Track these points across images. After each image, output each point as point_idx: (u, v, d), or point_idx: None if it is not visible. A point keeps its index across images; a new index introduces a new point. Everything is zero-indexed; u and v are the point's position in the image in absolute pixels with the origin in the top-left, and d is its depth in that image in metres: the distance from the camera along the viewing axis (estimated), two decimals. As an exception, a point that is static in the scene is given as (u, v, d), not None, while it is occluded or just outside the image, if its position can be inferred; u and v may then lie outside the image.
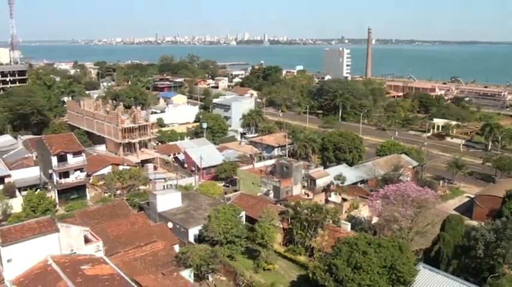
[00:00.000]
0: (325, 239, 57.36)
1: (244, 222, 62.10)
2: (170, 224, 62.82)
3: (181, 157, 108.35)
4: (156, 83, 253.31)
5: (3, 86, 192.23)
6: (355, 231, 59.41)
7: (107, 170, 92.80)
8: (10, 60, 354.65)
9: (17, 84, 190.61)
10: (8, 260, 44.27)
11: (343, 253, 44.48)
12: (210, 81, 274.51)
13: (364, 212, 69.15)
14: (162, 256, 53.74)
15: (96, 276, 42.74)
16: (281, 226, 61.84)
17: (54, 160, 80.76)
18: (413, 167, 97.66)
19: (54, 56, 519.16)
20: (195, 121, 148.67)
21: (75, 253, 47.69)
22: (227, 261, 55.12)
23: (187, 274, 51.22)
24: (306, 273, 49.95)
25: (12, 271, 44.09)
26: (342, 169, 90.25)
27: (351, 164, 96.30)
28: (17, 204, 72.83)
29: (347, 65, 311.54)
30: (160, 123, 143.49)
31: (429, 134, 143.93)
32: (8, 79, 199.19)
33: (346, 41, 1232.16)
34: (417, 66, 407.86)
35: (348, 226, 60.85)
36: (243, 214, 62.70)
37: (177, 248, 57.38)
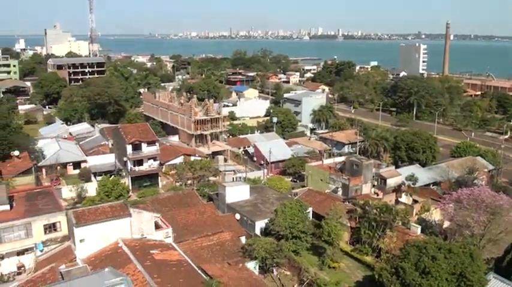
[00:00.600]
0: (393, 240, 55.77)
1: (310, 218, 61.69)
2: (238, 216, 63.69)
3: (250, 150, 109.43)
4: (229, 76, 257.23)
5: (82, 77, 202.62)
6: (425, 235, 57.31)
7: (178, 160, 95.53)
8: (89, 53, 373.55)
9: (96, 75, 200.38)
10: (81, 240, 46.90)
11: (412, 257, 43.07)
12: (282, 76, 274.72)
13: (435, 215, 66.49)
14: (229, 246, 54.63)
15: (165, 261, 44.20)
16: (348, 225, 60.88)
17: (129, 148, 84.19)
18: (489, 171, 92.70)
19: (131, 50, 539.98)
20: (265, 115, 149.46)
21: (145, 237, 49.61)
22: (292, 256, 55.07)
23: (252, 265, 51.75)
24: (372, 274, 48.84)
25: (84, 250, 46.72)
26: (414, 169, 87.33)
27: (423, 165, 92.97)
28: (91, 188, 76.76)
29: (423, 61, 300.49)
30: (231, 116, 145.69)
31: (507, 137, 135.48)
32: (87, 70, 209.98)
33: (423, 36, 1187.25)
34: (496, 63, 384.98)
35: (417, 229, 58.81)
36: (310, 210, 62.29)
37: (243, 239, 58.06)
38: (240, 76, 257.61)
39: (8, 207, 52.83)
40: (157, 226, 51.52)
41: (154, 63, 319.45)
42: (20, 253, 50.95)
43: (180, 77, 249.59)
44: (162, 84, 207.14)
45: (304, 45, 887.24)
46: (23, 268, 50.79)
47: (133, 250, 44.76)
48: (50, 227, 51.58)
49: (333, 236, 55.83)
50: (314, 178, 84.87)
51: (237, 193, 68.39)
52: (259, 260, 51.61)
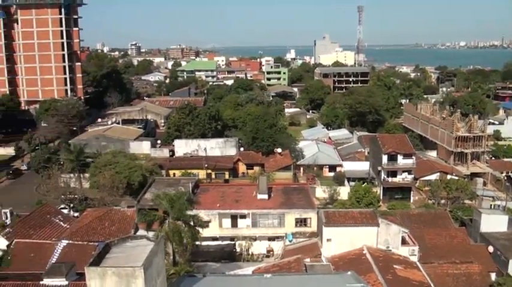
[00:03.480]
0: None
1: None
2: (491, 248, 56.99)
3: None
4: (497, 91, 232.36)
5: (346, 85, 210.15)
6: None
7: (434, 176, 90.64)
8: (354, 63, 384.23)
9: (359, 84, 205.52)
10: (328, 239, 48.80)
11: None
12: None
13: None
14: (476, 280, 49.24)
15: (407, 279, 42.56)
16: None
17: (385, 158, 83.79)
18: None
19: (396, 59, 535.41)
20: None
21: (390, 250, 48.65)
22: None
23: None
24: None
25: (330, 249, 48.54)
26: None
27: None
28: (344, 192, 78.94)
29: None
30: (496, 136, 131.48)
31: None
32: (351, 79, 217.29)
33: None
34: None
35: None
36: None
37: (493, 276, 51.76)
38: (510, 91, 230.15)
39: (266, 196, 58.86)
40: (403, 241, 50.01)
41: (418, 74, 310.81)
42: (271, 238, 56.28)
43: (444, 89, 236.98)
44: (425, 96, 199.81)
45: None
46: (271, 252, 55.91)
47: (377, 260, 44.36)
48: (301, 222, 55.41)
49: None
50: None
51: (493, 222, 60.98)
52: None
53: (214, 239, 55.52)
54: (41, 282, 38.13)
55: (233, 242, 55.73)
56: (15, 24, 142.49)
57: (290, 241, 54.69)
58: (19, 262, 48.60)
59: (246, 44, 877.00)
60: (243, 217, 56.29)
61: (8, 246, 52.22)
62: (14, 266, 47.28)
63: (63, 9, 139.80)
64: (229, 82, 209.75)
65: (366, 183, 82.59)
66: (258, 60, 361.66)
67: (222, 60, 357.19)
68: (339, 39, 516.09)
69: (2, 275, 42.00)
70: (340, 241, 48.39)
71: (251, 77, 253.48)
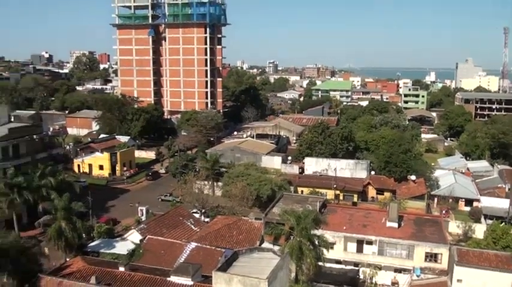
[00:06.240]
0: None
1: None
2: None
3: None
4: None
5: (489, 112, 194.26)
6: None
7: None
8: (499, 89, 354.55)
9: (503, 112, 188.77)
10: (458, 280, 45.39)
11: None
12: None
13: None
14: None
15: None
16: None
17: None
18: None
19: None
20: None
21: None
22: None
23: None
24: None
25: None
26: None
27: None
28: (479, 230, 72.51)
29: None
30: None
31: None
32: (494, 107, 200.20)
33: None
34: None
35: None
36: None
37: None
38: None
39: (396, 225, 56.48)
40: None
41: None
42: (397, 270, 53.68)
43: None
44: None
45: None
46: (396, 285, 53.28)
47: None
48: (431, 257, 52.25)
49: None
50: None
51: None
52: None
53: (338, 262, 54.67)
54: (168, 278, 40.80)
55: (357, 268, 54.40)
56: (163, 41, 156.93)
57: (418, 276, 51.83)
58: (150, 256, 52.68)
59: (383, 65, 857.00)
60: (370, 243, 54.68)
61: (141, 241, 56.85)
62: (145, 260, 51.41)
63: (208, 29, 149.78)
64: (364, 103, 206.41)
65: (504, 223, 75.30)
66: (395, 82, 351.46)
67: (358, 81, 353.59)
68: (482, 62, 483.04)
69: (133, 266, 45.83)
70: (471, 283, 44.80)
71: (387, 99, 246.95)
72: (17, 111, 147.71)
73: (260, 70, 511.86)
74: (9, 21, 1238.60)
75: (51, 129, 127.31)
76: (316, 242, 45.92)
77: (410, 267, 52.83)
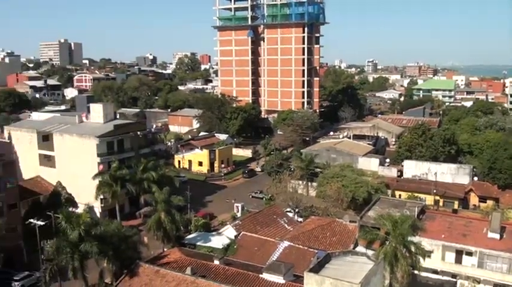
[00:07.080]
0: None
1: None
2: None
3: None
4: None
5: None
6: None
7: None
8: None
9: None
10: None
11: None
12: None
13: None
14: None
15: None
16: None
17: None
18: None
19: None
20: None
21: None
22: None
23: None
24: None
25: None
26: None
27: None
28: None
29: None
30: None
31: None
32: None
33: None
34: None
35: None
36: None
37: None
38: None
39: (498, 236, 52.67)
40: None
41: None
42: (497, 285, 50.04)
43: None
44: None
45: None
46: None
47: None
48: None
49: None
50: None
51: None
52: None
53: (435, 272, 52.23)
54: (261, 275, 41.50)
55: (455, 280, 51.64)
56: (262, 41, 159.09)
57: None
58: (243, 252, 53.91)
59: (489, 63, 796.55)
60: (469, 254, 51.54)
61: (235, 236, 58.30)
62: (238, 256, 52.72)
63: (306, 28, 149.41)
64: (468, 104, 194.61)
65: None
66: (502, 81, 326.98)
67: (462, 80, 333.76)
68: None
69: (227, 260, 47.26)
70: None
71: (492, 99, 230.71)
72: (123, 109, 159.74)
73: (358, 69, 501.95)
74: (117, 25, 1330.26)
75: (154, 126, 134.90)
76: (413, 250, 44.18)
77: (511, 283, 49.10)
